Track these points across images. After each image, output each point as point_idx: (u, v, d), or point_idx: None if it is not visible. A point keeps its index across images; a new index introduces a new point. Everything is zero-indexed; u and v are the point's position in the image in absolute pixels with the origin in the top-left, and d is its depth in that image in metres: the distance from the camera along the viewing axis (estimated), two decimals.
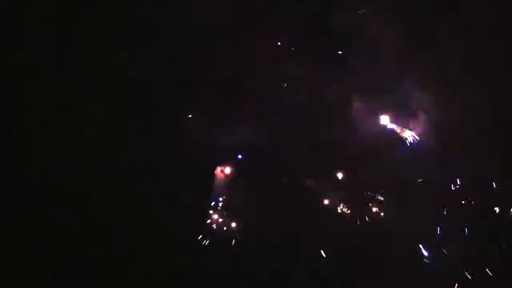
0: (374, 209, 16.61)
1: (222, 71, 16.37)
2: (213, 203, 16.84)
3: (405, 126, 16.88)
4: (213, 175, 16.83)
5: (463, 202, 16.37)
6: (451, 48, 16.23)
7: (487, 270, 15.61)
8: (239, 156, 16.93)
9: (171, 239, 16.00)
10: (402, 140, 16.89)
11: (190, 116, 16.45)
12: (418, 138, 16.69)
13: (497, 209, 16.12)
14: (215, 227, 16.65)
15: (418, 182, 16.56)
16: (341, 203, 16.65)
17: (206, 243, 16.31)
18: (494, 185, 16.07)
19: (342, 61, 16.81)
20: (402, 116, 16.88)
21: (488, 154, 15.86)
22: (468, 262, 15.74)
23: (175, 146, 16.24)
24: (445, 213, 16.39)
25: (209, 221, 16.71)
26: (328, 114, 16.71)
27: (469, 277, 15.62)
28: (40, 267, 15.31)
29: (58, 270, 15.38)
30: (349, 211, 16.61)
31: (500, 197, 16.12)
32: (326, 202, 16.63)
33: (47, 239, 15.47)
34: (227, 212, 16.78)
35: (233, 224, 16.67)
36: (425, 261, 15.99)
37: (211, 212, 16.77)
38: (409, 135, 16.80)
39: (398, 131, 16.88)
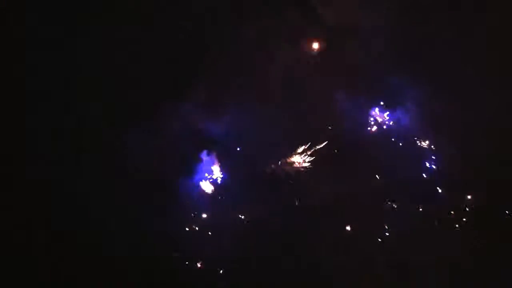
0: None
1: (220, 68, 16.47)
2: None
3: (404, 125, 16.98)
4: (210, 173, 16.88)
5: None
6: (451, 47, 16.30)
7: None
8: (238, 149, 16.91)
9: (170, 238, 16.04)
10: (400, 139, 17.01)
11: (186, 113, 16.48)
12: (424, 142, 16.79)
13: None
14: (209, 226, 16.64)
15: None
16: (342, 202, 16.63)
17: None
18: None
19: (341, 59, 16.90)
20: (402, 116, 16.98)
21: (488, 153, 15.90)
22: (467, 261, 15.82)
23: (175, 146, 16.28)
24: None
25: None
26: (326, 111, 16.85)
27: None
28: (40, 267, 15.32)
29: (58, 270, 15.39)
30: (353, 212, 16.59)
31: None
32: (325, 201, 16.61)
33: (47, 239, 15.48)
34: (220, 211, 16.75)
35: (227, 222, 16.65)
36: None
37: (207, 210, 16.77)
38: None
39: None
